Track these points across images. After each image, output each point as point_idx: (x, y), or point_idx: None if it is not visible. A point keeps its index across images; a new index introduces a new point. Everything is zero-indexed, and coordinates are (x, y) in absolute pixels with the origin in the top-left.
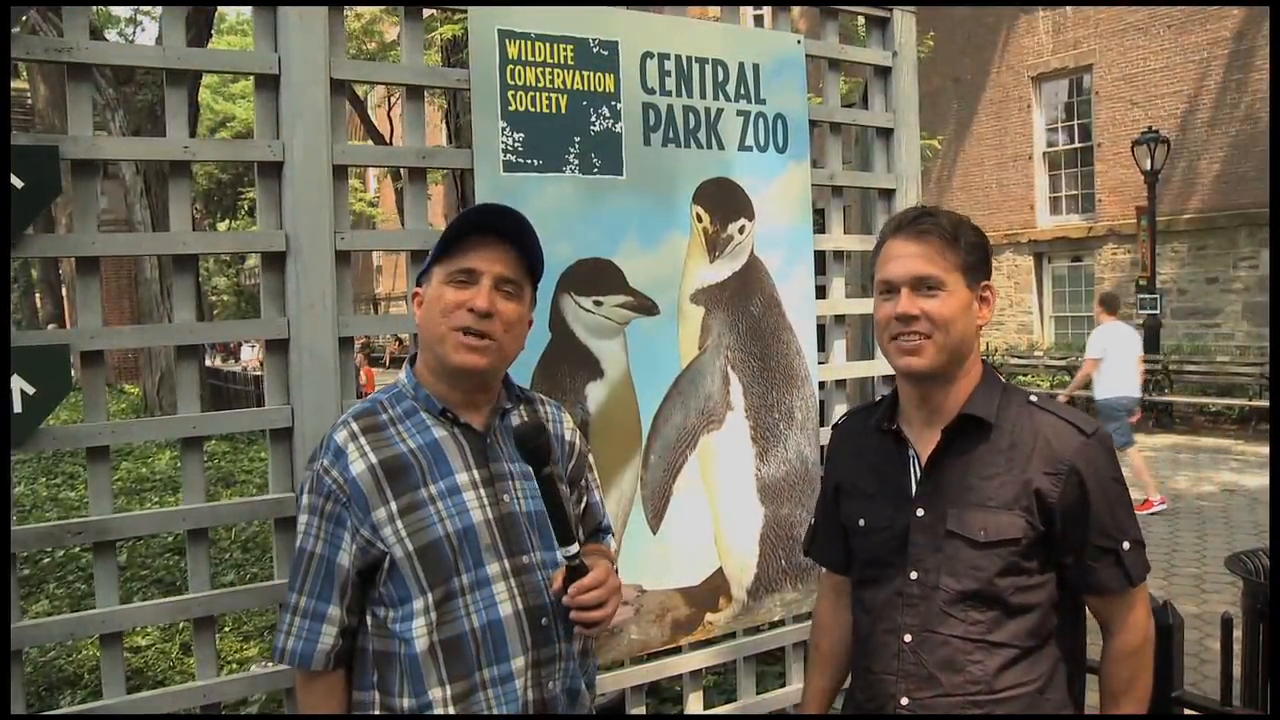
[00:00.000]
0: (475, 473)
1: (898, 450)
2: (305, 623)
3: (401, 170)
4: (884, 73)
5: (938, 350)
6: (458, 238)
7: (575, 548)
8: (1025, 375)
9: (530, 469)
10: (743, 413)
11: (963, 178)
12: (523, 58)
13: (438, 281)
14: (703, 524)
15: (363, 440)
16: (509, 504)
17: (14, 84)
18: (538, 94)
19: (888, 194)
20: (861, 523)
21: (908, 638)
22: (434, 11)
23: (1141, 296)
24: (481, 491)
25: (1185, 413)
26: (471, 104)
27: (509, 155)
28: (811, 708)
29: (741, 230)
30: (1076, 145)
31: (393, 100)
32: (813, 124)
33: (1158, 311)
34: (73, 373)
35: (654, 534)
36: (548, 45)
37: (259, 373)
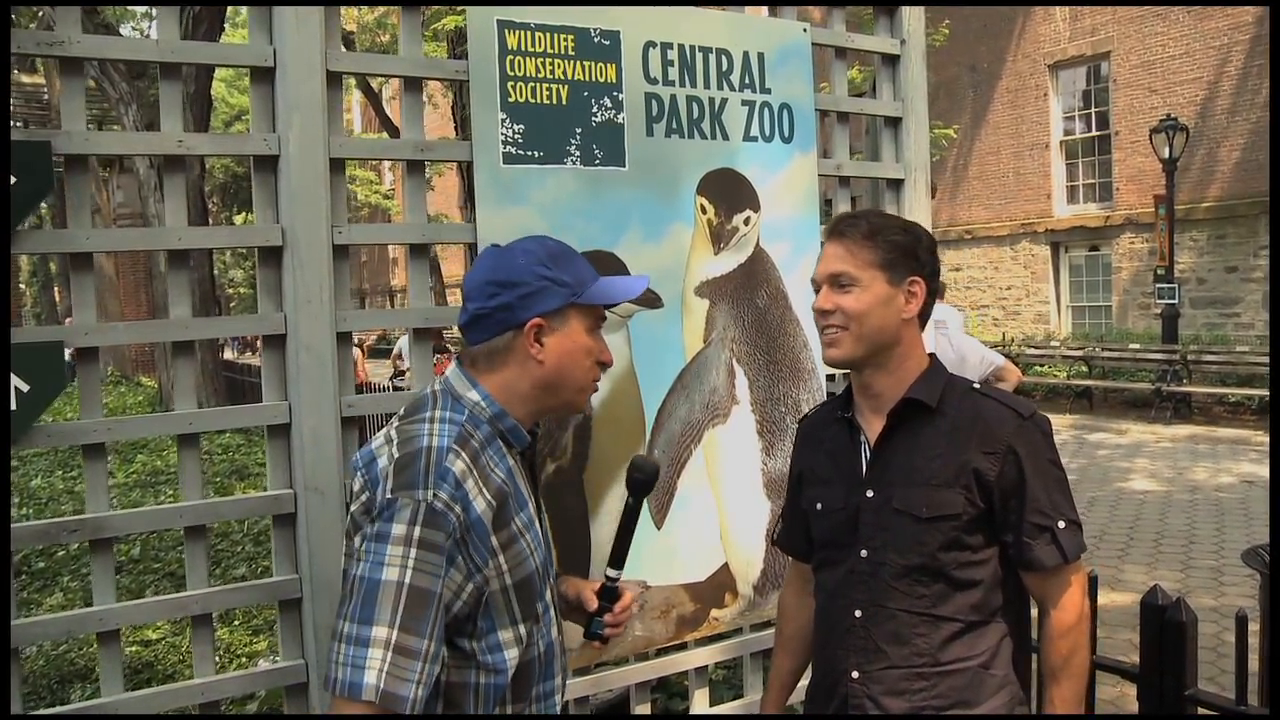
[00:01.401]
0: (534, 500)
1: (851, 437)
2: (419, 665)
3: (401, 163)
4: (892, 61)
5: (854, 341)
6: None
7: (621, 572)
8: (1042, 366)
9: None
10: (749, 406)
11: (979, 167)
12: (523, 48)
13: (585, 329)
14: (708, 519)
15: (475, 474)
16: (544, 527)
17: (31, 79)
18: (538, 85)
19: (896, 184)
20: (819, 506)
21: (858, 613)
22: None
23: (1160, 286)
24: (539, 519)
25: (1204, 403)
26: (470, 96)
27: (509, 147)
28: (774, 686)
29: (747, 222)
30: (1094, 134)
31: None
32: (821, 114)
33: (1176, 301)
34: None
35: (658, 529)
36: (548, 35)
37: None
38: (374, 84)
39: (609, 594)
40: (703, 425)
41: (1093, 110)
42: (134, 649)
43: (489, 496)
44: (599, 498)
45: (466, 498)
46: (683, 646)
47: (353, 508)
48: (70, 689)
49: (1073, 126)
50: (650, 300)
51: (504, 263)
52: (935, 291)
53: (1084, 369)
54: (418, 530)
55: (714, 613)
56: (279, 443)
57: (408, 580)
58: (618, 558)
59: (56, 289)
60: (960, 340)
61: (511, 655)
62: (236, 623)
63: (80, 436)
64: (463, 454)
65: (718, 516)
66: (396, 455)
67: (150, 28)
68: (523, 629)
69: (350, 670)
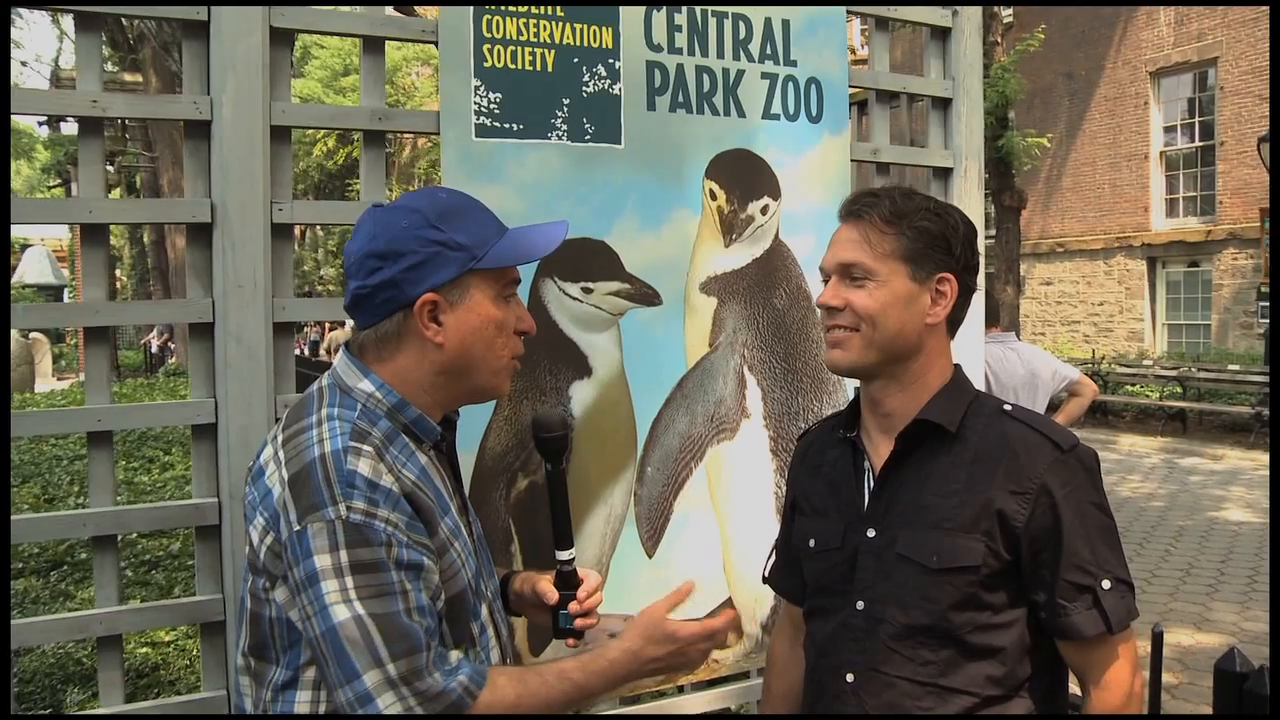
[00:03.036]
0: (455, 500)
1: (854, 462)
2: (431, 674)
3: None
4: (942, 35)
5: (865, 345)
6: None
7: (573, 553)
8: (1134, 385)
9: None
10: (761, 420)
11: (1073, 178)
12: (502, 6)
13: (490, 298)
14: (709, 547)
15: (383, 467)
16: (475, 532)
17: (132, 77)
18: (519, 48)
19: (944, 173)
20: (811, 543)
21: (850, 677)
22: None
23: (1264, 304)
24: (463, 522)
25: None
26: (440, 59)
27: (483, 118)
28: None
29: (764, 210)
30: (1197, 144)
31: None
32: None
33: None
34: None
35: (650, 558)
36: None
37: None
38: None
39: (566, 580)
40: (705, 441)
41: (1196, 119)
42: (143, 651)
43: (402, 494)
44: (580, 521)
45: (390, 494)
46: (679, 691)
47: (262, 556)
48: (69, 691)
49: (1174, 137)
50: (645, 295)
51: (384, 228)
52: (970, 291)
53: (1178, 390)
54: (343, 555)
55: (714, 654)
56: (204, 445)
57: (361, 611)
58: (562, 537)
59: (152, 281)
60: (1030, 354)
61: None
62: None
63: None
64: (364, 449)
65: (721, 545)
66: (288, 477)
67: None
68: (454, 657)
69: None
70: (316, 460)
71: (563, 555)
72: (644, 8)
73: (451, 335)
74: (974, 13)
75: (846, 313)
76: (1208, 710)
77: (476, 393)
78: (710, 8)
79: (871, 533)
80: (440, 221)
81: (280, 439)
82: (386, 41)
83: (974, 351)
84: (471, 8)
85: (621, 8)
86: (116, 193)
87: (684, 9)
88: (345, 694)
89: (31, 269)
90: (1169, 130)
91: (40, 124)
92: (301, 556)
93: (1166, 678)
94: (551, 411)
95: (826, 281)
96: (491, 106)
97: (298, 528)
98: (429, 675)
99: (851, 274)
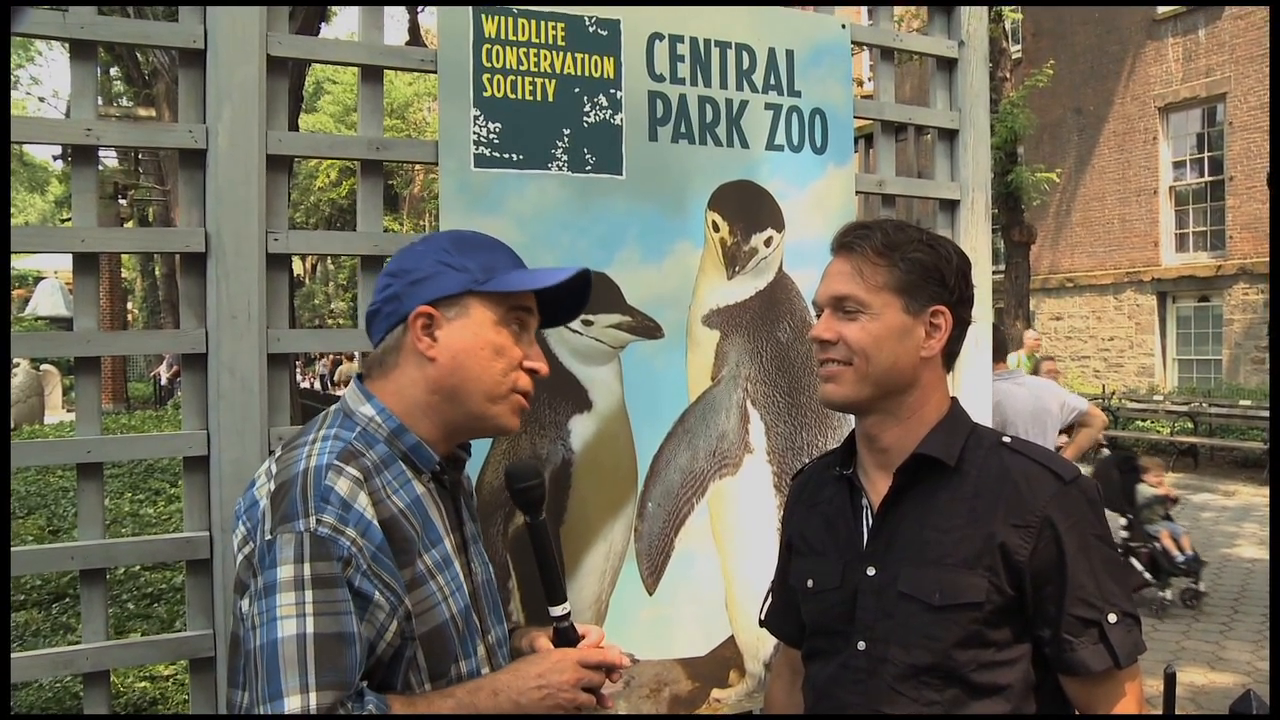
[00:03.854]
0: (453, 537)
1: (851, 499)
2: None
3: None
4: (948, 65)
5: (859, 379)
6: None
7: (568, 606)
8: (1144, 420)
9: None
10: (764, 456)
11: (1082, 213)
12: (502, 36)
13: (491, 321)
14: (711, 585)
15: (365, 491)
16: (478, 573)
17: (146, 112)
18: (519, 78)
19: (950, 205)
20: (810, 583)
21: None
22: None
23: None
24: (460, 561)
25: None
26: (439, 89)
27: (482, 148)
28: None
29: (768, 242)
30: (1206, 179)
31: None
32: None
33: None
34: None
35: (650, 595)
36: (533, 22)
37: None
38: None
39: (564, 636)
40: (708, 476)
41: (1205, 155)
42: (142, 685)
43: (379, 521)
44: (578, 558)
45: (362, 518)
46: None
47: (238, 566)
48: None
49: (1183, 172)
50: (646, 328)
51: (405, 253)
52: (965, 324)
53: (1189, 425)
54: (306, 568)
55: (715, 693)
56: (196, 477)
57: (309, 630)
58: (554, 591)
59: (164, 314)
60: (1038, 387)
61: None
62: None
63: None
64: (347, 469)
65: (723, 581)
66: (273, 489)
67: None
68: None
69: None
70: (299, 474)
71: (556, 611)
72: (647, 37)
73: (445, 351)
74: (980, 43)
75: (839, 346)
76: None
77: (475, 420)
78: (713, 37)
79: (871, 571)
80: (453, 247)
81: (278, 454)
82: (395, 74)
83: (980, 387)
84: (471, 37)
85: (621, 36)
86: (130, 225)
87: (687, 39)
88: (263, 709)
89: (44, 301)
90: (1178, 165)
91: (55, 158)
92: (267, 566)
93: None
94: (524, 461)
95: (819, 315)
96: (491, 136)
97: (269, 537)
98: (342, 709)
99: (844, 307)
